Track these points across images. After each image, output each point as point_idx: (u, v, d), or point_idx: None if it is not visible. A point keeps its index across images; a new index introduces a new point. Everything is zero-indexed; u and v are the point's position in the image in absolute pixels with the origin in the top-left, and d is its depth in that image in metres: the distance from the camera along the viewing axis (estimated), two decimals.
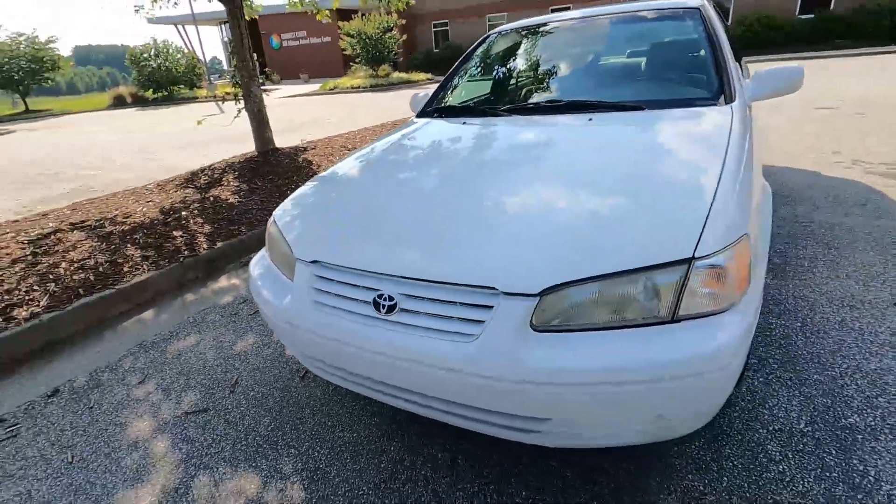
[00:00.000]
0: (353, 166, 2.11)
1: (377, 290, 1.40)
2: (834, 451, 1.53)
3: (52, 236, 3.73)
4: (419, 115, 2.76)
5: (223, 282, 3.28)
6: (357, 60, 22.13)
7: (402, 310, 1.35)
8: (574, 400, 1.19)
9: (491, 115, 2.37)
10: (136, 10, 6.27)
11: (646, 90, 2.28)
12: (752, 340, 1.47)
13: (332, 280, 1.51)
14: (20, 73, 25.02)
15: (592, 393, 1.17)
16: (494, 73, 2.86)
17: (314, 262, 1.56)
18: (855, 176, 3.96)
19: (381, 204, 1.70)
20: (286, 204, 1.95)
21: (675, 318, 1.19)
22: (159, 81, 24.96)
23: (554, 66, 2.63)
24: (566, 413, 1.23)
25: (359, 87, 19.55)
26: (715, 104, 1.98)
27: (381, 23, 21.21)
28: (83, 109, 24.87)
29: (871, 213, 3.22)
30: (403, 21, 21.88)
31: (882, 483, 1.41)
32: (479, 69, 2.92)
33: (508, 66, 2.86)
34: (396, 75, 21.36)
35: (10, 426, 2.04)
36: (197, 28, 22.89)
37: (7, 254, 3.41)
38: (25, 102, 26.65)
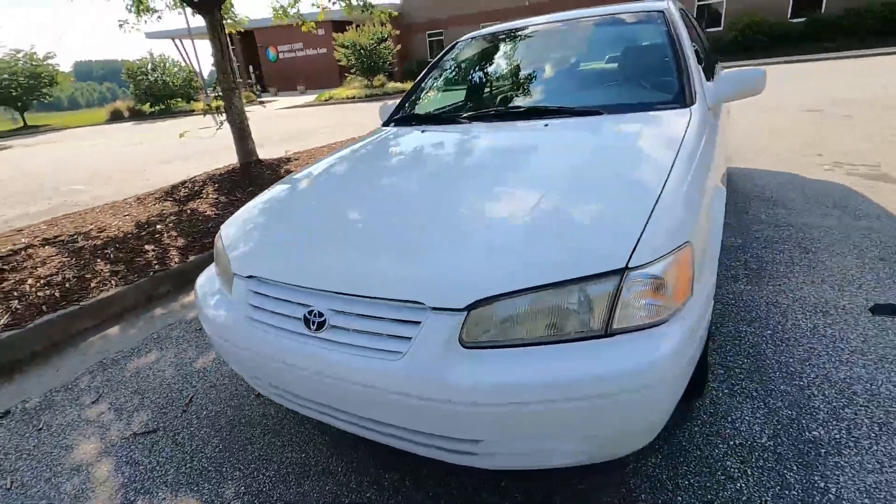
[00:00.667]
0: (302, 179, 2.06)
1: (308, 305, 1.34)
2: (795, 467, 1.46)
3: (23, 252, 3.68)
4: (385, 124, 2.72)
5: (194, 296, 3.22)
6: (352, 71, 22.23)
7: (332, 326, 1.29)
8: (504, 420, 1.12)
9: (451, 123, 2.32)
10: (121, 25, 6.28)
11: (606, 95, 2.23)
12: (702, 350, 1.40)
13: (267, 296, 1.45)
14: (18, 89, 25.21)
15: (523, 412, 1.11)
16: (459, 81, 2.82)
17: (250, 276, 1.51)
18: (837, 178, 3.91)
19: (319, 218, 1.65)
20: (233, 217, 1.90)
21: (608, 332, 1.13)
22: (156, 95, 25.09)
23: (517, 73, 2.59)
24: (498, 434, 1.16)
25: (354, 98, 19.62)
26: (674, 107, 1.94)
27: (375, 33, 21.33)
28: (81, 124, 25.00)
29: (851, 215, 3.16)
30: (398, 32, 22.00)
31: (843, 501, 1.34)
32: (445, 77, 2.88)
33: (472, 74, 2.83)
34: (392, 85, 21.44)
35: None
36: (193, 41, 23.03)
37: None
38: (24, 118, 26.81)
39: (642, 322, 1.14)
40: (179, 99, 25.86)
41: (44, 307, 2.87)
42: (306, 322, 1.32)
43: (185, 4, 5.57)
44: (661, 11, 2.42)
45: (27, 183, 8.00)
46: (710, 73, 2.60)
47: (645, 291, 1.15)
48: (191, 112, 23.82)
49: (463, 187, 1.58)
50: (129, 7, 5.88)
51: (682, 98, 1.98)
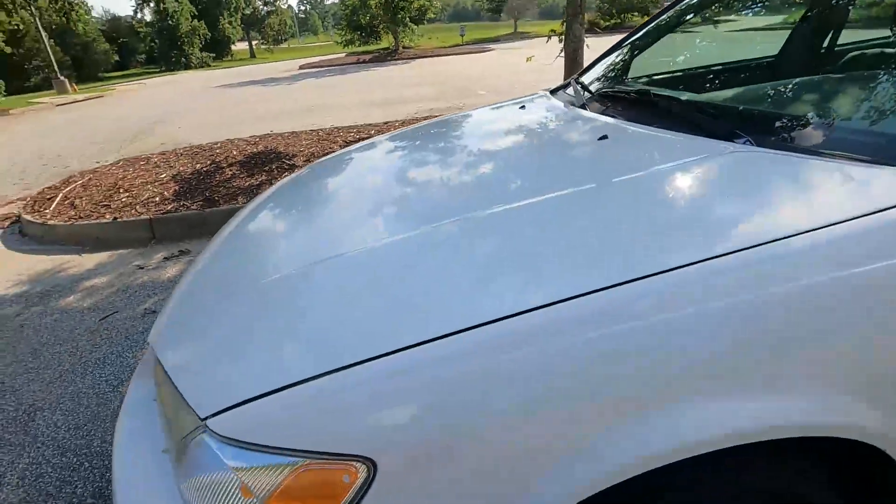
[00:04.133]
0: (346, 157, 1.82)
1: None
2: None
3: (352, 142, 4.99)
4: (556, 89, 2.14)
5: None
6: None
7: None
8: None
9: (576, 106, 1.61)
10: None
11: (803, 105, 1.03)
12: None
13: None
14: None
15: None
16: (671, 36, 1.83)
17: None
18: None
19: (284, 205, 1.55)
20: None
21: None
22: (619, 8, 25.85)
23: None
24: None
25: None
26: None
27: None
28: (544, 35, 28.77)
29: None
30: None
31: None
32: (674, 24, 1.92)
33: (688, 30, 1.76)
34: None
35: (181, 253, 3.17)
36: None
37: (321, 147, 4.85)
38: (516, 25, 33.05)
39: None
40: (636, 14, 25.77)
41: None
42: None
43: None
44: None
45: (454, 84, 10.25)
46: None
47: (223, 477, 0.69)
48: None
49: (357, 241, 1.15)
50: None
51: None
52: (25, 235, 3.88)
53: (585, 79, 1.97)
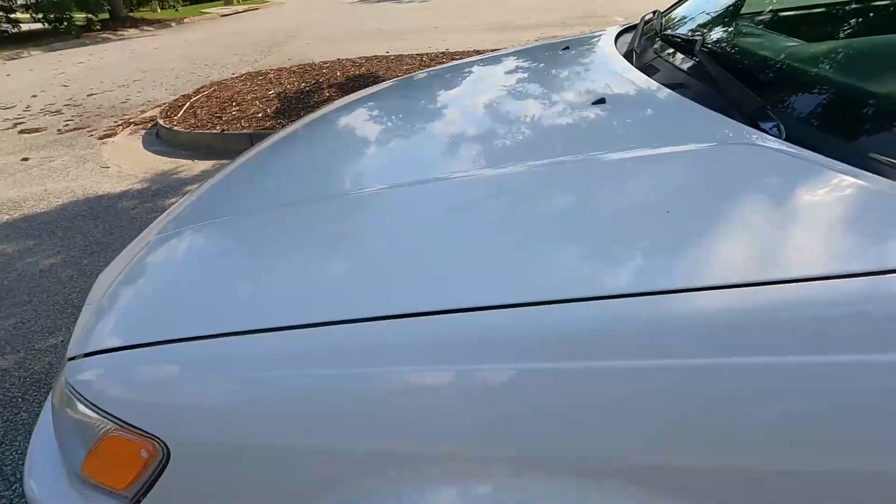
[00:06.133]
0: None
1: None
2: None
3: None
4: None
5: None
6: None
7: None
8: None
9: (623, 53, 1.30)
10: None
11: None
12: None
13: None
14: None
15: None
16: None
17: None
18: None
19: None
20: None
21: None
22: None
23: None
24: None
25: None
26: None
27: None
28: None
29: None
30: None
31: None
32: None
33: None
34: None
35: None
36: None
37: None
38: None
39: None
40: None
41: None
42: None
43: None
44: None
45: (590, 7, 9.16)
46: None
47: (68, 419, 0.72)
48: None
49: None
50: None
51: None
52: (160, 138, 4.45)
53: (676, 13, 1.58)
